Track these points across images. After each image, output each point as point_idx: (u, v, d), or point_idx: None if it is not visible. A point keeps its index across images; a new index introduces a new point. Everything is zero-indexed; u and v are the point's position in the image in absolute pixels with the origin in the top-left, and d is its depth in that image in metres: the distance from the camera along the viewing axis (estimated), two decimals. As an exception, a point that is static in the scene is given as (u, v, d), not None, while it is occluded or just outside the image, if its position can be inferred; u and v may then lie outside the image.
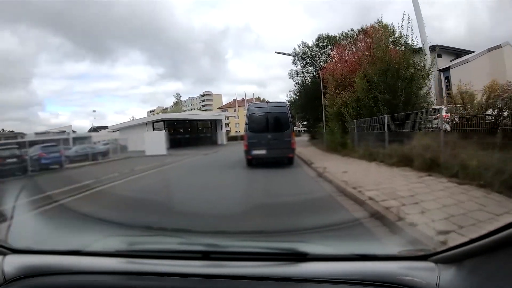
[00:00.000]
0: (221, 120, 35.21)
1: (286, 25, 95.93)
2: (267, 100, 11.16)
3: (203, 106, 73.03)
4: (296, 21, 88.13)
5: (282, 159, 9.32)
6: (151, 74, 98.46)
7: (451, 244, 1.03)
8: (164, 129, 25.45)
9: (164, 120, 28.62)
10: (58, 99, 79.84)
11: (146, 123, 28.81)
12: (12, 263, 1.23)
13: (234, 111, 52.86)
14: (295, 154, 9.71)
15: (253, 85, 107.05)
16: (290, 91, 25.85)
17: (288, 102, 22.25)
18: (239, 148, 12.37)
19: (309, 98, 20.42)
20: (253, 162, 9.32)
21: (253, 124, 9.31)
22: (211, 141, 32.14)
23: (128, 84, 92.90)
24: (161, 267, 1.18)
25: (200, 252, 1.27)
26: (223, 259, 1.24)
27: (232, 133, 50.51)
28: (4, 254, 1.27)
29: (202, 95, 75.24)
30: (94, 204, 5.55)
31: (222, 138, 33.50)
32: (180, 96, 68.13)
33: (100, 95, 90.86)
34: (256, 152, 9.04)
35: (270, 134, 8.99)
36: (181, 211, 4.06)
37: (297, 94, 24.16)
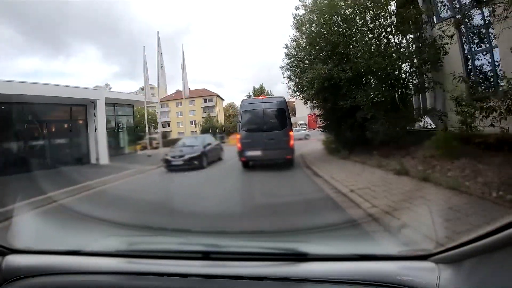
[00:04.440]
0: (94, 103, 13.08)
1: (249, 23, 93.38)
2: (263, 95, 10.27)
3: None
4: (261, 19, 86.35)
5: (280, 161, 8.49)
6: (105, 72, 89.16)
7: (451, 244, 1.03)
8: None
9: None
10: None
11: None
12: (12, 263, 1.22)
13: (178, 105, 39.83)
14: (294, 155, 8.73)
15: (211, 84, 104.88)
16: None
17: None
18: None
19: None
20: (249, 164, 8.64)
21: (247, 122, 8.48)
22: (70, 158, 12.37)
23: (82, 82, 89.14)
24: (161, 267, 1.18)
25: (200, 252, 1.27)
26: (223, 259, 1.24)
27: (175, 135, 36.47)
28: (4, 254, 1.26)
29: (142, 88, 62.18)
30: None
31: (98, 148, 12.95)
32: (111, 88, 52.13)
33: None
34: (250, 153, 8.26)
35: (266, 133, 8.17)
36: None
37: None
